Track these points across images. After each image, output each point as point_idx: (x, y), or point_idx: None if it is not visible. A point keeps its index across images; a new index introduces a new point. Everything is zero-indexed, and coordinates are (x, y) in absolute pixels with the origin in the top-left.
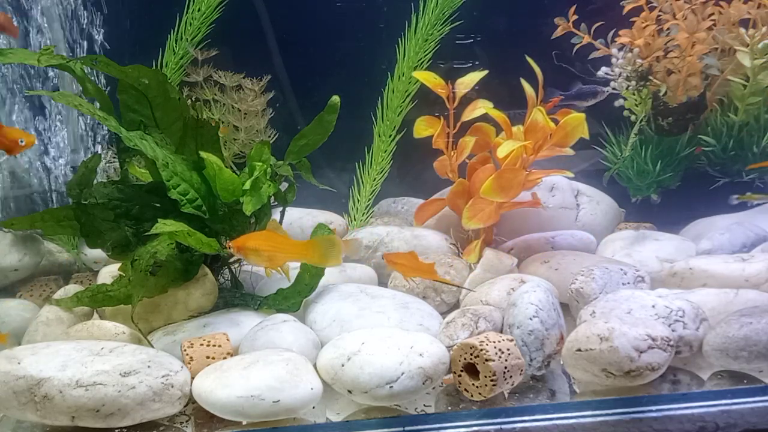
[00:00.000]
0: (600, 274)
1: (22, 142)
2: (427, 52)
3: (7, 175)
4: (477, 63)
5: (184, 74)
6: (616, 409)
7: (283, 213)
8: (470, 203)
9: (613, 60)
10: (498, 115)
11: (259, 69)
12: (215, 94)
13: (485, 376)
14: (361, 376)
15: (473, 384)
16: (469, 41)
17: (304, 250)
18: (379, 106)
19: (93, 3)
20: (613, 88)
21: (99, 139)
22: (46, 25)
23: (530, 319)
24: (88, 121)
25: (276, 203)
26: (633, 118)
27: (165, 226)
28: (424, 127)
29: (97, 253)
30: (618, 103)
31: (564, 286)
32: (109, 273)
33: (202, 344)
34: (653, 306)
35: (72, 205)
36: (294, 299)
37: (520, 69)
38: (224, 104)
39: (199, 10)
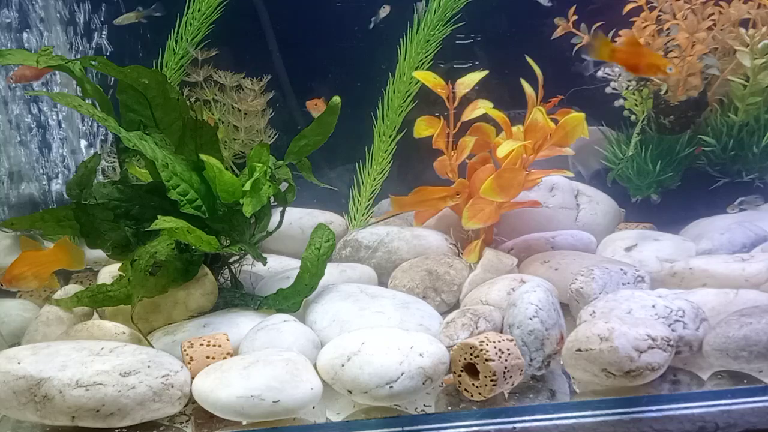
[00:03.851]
0: (600, 274)
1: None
2: (428, 53)
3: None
4: (477, 63)
5: (184, 74)
6: (616, 409)
7: (282, 213)
8: (470, 203)
9: None
10: (498, 115)
11: (259, 69)
12: (215, 94)
13: (485, 376)
14: (361, 376)
15: (473, 384)
16: (470, 41)
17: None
18: (380, 106)
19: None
20: (614, 88)
21: None
22: (45, 26)
23: (530, 319)
24: None
25: (276, 203)
26: (633, 117)
27: (165, 222)
28: (424, 127)
29: (97, 253)
30: (618, 103)
31: (564, 286)
32: (109, 273)
33: (202, 344)
34: (653, 306)
35: (72, 205)
36: (294, 299)
37: (520, 69)
38: (224, 104)
39: (199, 10)
